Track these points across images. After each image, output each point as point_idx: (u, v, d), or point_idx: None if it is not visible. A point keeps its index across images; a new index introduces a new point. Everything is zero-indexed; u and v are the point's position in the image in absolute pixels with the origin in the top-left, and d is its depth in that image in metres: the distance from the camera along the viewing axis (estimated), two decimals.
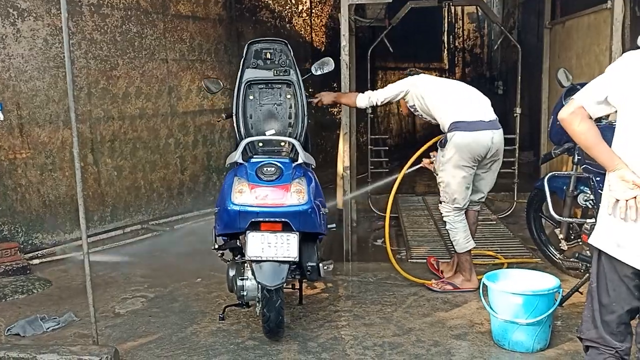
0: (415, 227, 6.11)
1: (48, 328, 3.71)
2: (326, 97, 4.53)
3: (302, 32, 8.55)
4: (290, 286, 3.99)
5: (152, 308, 4.10)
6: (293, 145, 3.62)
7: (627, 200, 2.07)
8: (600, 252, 2.22)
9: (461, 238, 4.14)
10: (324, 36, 9.04)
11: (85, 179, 5.43)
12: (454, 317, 3.83)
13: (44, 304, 4.17)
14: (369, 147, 7.23)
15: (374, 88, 9.80)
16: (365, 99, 4.33)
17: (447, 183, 4.06)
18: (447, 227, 4.20)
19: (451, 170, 4.01)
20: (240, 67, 3.95)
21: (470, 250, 4.20)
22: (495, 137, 3.98)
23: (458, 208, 4.11)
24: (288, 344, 3.50)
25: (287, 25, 8.20)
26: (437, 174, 4.19)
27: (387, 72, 10.76)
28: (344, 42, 4.91)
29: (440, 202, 4.21)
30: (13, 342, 3.50)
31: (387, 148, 7.93)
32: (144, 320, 3.90)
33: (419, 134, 11.37)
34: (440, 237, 5.63)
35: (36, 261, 4.99)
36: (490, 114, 4.04)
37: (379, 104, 4.34)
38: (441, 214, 4.24)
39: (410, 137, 11.54)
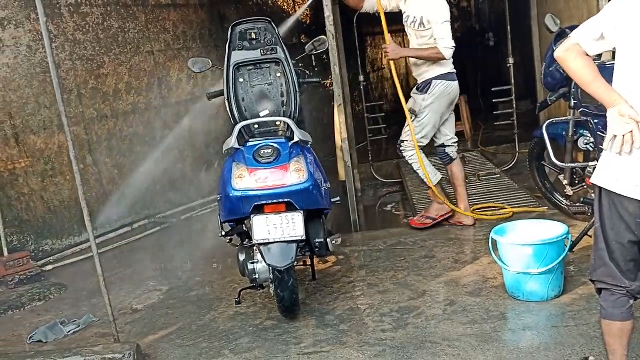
0: (420, 190, 6.08)
1: (69, 331, 3.76)
2: (400, 52, 4.59)
3: (286, 7, 8.44)
4: (302, 263, 4.02)
5: (169, 300, 4.15)
6: (288, 125, 3.60)
7: (623, 135, 2.07)
8: (601, 190, 2.23)
9: (430, 170, 4.53)
10: (307, 8, 8.90)
11: (86, 181, 5.43)
12: (467, 274, 3.86)
13: (62, 309, 4.22)
14: (365, 115, 7.19)
15: (363, 55, 9.67)
16: (448, 50, 4.29)
17: (425, 125, 4.46)
18: (414, 167, 4.53)
19: (432, 115, 4.46)
20: (227, 50, 3.91)
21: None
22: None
23: (422, 146, 4.52)
24: (306, 320, 3.54)
25: (270, 2, 8.10)
26: (416, 116, 4.47)
27: (375, 37, 10.61)
28: (328, 12, 4.85)
29: (402, 142, 4.51)
30: (36, 350, 3.54)
31: (383, 114, 7.89)
32: (162, 312, 3.94)
33: None
34: (445, 197, 5.62)
35: (49, 267, 5.03)
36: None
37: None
38: (404, 156, 4.56)
39: (406, 100, 11.43)
